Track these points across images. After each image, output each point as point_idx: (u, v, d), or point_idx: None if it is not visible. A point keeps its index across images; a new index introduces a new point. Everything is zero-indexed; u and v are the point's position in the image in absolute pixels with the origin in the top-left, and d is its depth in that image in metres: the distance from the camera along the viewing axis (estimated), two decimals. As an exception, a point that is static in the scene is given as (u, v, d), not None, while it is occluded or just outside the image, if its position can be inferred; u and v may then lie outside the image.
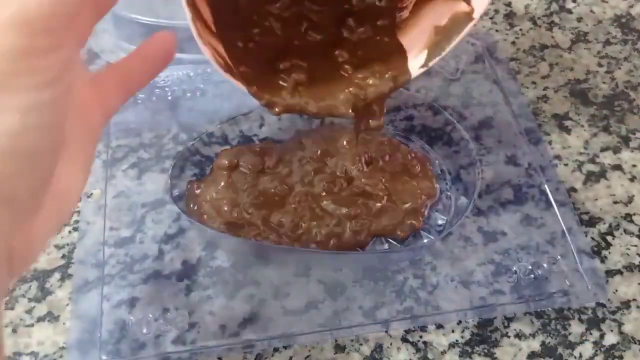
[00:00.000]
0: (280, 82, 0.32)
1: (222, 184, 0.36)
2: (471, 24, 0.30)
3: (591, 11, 0.48)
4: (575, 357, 0.32)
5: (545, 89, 0.43)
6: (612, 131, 0.41)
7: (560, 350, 0.32)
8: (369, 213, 0.35)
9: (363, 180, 0.36)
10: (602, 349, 0.32)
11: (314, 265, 0.33)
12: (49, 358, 0.32)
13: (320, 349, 0.32)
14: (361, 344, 0.32)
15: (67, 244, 0.36)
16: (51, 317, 0.33)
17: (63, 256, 0.35)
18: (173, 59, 0.26)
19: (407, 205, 0.35)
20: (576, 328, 0.33)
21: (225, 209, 0.35)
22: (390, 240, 0.35)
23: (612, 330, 0.33)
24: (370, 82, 0.32)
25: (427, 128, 0.39)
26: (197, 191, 0.36)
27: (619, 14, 0.48)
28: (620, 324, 0.33)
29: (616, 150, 0.40)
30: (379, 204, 0.35)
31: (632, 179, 0.39)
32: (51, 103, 0.18)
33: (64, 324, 0.33)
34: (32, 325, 0.33)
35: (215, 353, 0.31)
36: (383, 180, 0.36)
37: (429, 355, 0.32)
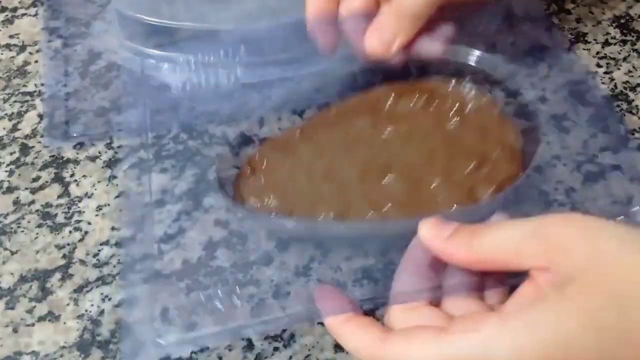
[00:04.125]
0: None
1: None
2: None
3: (590, 12, 0.49)
4: (574, 357, 0.32)
5: (543, 89, 0.43)
6: (611, 132, 0.41)
7: (559, 349, 0.32)
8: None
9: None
10: (601, 349, 0.32)
11: (314, 264, 0.34)
12: (50, 358, 0.32)
13: (320, 349, 0.32)
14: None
15: (68, 244, 0.36)
16: (52, 316, 0.33)
17: (64, 256, 0.36)
18: None
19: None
20: (575, 328, 0.33)
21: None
22: None
23: (610, 330, 0.33)
24: None
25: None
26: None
27: (618, 14, 0.48)
28: (618, 324, 0.33)
29: (615, 151, 0.40)
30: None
31: (631, 180, 0.39)
32: None
33: (64, 323, 0.33)
34: (33, 324, 0.33)
35: (215, 352, 0.31)
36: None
37: (429, 355, 0.32)
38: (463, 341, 0.23)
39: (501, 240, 0.24)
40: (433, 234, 0.26)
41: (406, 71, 0.39)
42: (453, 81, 0.39)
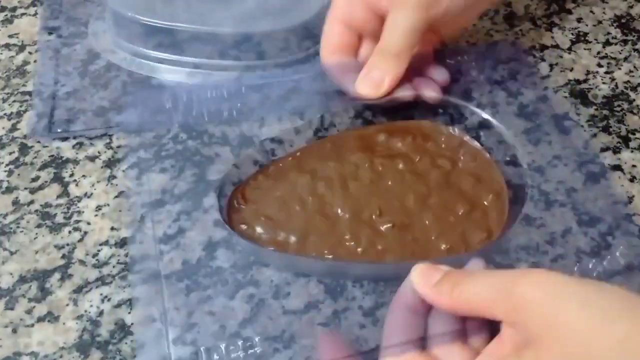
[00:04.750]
0: None
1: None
2: None
3: (591, 12, 0.49)
4: (575, 358, 0.32)
5: (545, 89, 0.43)
6: (612, 131, 0.41)
7: (560, 350, 0.32)
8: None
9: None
10: (602, 349, 0.32)
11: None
12: (49, 358, 0.32)
13: (320, 349, 0.32)
14: (361, 345, 0.32)
15: (67, 244, 0.36)
16: (51, 317, 0.33)
17: (63, 256, 0.35)
18: None
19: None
20: (576, 328, 0.32)
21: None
22: None
23: (611, 331, 0.32)
24: None
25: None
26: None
27: (619, 14, 0.48)
28: (620, 325, 0.33)
29: (616, 151, 0.40)
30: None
31: (632, 180, 0.39)
32: None
33: (63, 324, 0.33)
34: (32, 325, 0.33)
35: (215, 353, 0.31)
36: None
37: (429, 356, 0.32)
38: None
39: (478, 292, 0.26)
40: (423, 280, 0.28)
41: (400, 110, 0.40)
42: (446, 125, 0.40)
